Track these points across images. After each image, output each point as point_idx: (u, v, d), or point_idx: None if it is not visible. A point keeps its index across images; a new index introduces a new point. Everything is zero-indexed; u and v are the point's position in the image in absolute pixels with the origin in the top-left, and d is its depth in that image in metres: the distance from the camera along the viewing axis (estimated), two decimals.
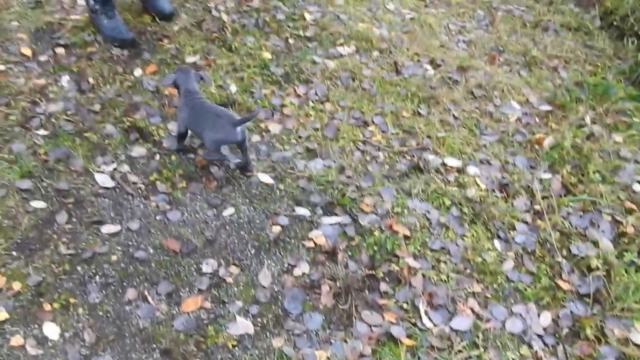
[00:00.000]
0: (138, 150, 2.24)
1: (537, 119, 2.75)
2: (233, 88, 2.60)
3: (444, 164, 2.43)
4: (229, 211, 2.09)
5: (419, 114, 2.67)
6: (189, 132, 2.23)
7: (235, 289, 1.86)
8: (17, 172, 2.04)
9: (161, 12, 2.90)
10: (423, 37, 3.15)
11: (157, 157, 2.23)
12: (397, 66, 2.92)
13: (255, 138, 2.40)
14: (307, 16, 3.15)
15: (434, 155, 2.46)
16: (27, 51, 2.56)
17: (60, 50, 2.60)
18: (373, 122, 2.59)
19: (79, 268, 1.82)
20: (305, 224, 2.10)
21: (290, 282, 1.90)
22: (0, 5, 2.77)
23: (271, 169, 2.29)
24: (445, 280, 1.98)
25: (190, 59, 2.72)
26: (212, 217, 2.06)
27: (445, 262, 2.04)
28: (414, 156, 2.45)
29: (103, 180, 2.09)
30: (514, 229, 2.20)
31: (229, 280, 1.88)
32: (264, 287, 1.88)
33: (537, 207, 2.29)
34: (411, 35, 3.16)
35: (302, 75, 2.76)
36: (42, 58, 2.56)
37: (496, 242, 2.15)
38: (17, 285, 1.73)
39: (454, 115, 2.69)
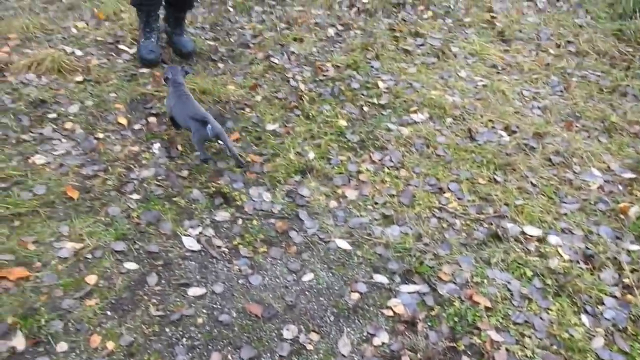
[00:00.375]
0: (222, 215, 2.34)
1: (620, 187, 2.67)
2: (311, 155, 2.69)
3: (523, 233, 2.38)
4: (308, 277, 2.13)
5: (496, 181, 2.65)
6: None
7: (316, 356, 1.87)
8: (113, 234, 2.18)
9: (182, 49, 3.27)
10: (496, 103, 3.17)
11: (240, 221, 2.32)
12: (471, 133, 2.94)
13: (333, 204, 2.46)
14: (381, 84, 3.25)
15: (512, 223, 2.42)
16: (123, 120, 2.78)
17: (152, 119, 2.81)
18: (449, 188, 2.59)
19: (167, 330, 1.89)
20: (384, 292, 2.10)
21: (370, 351, 1.89)
22: (101, 78, 3.03)
23: (348, 234, 2.32)
24: (530, 357, 1.90)
25: (270, 127, 2.85)
26: (292, 282, 2.10)
27: (529, 337, 1.97)
28: (491, 224, 2.42)
29: (190, 243, 2.19)
30: (602, 303, 2.11)
31: (309, 347, 1.89)
32: (343, 355, 1.87)
33: (626, 280, 2.19)
34: (484, 102, 3.18)
35: (377, 142, 2.83)
36: (136, 126, 2.76)
37: (583, 317, 2.06)
38: (110, 345, 1.81)
39: (531, 183, 2.65)
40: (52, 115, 2.74)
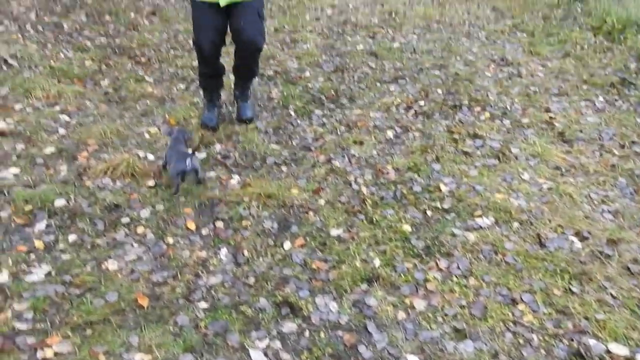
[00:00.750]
0: (289, 326, 2.30)
1: None
2: (376, 262, 2.66)
3: (608, 351, 2.22)
4: None
5: (572, 291, 2.53)
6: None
7: None
8: (181, 346, 2.16)
9: (242, 115, 3.87)
10: (564, 207, 3.09)
11: (307, 333, 2.27)
12: (540, 239, 2.85)
13: (401, 315, 2.39)
14: (443, 188, 3.24)
15: (595, 340, 2.27)
16: (191, 225, 2.85)
17: (219, 224, 2.87)
18: (522, 299, 2.48)
19: None
20: None
21: None
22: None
23: (420, 350, 2.23)
24: None
25: (334, 232, 2.86)
26: None
27: None
28: (572, 340, 2.28)
29: (257, 357, 2.14)
30: None
31: None
32: None
33: None
34: (551, 205, 3.11)
35: (442, 248, 2.78)
36: (204, 231, 2.82)
37: None
38: None
39: (611, 294, 2.51)
40: (125, 220, 2.84)
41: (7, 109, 3.78)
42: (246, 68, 3.70)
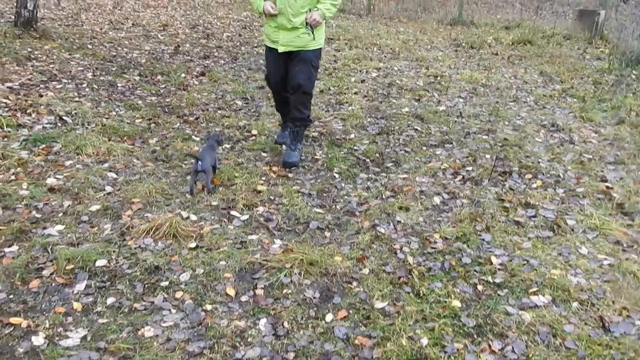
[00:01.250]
0: None
1: None
2: (424, 340, 2.48)
3: None
4: None
5: None
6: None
7: None
8: None
9: (285, 159, 4.19)
10: (629, 287, 2.86)
11: None
12: (603, 322, 2.63)
13: None
14: (494, 260, 3.07)
15: None
16: (231, 291, 2.76)
17: (259, 291, 2.77)
18: None
19: None
20: None
21: None
22: (213, 245, 3.11)
23: None
24: None
25: (378, 305, 2.71)
26: None
27: None
28: None
29: None
30: None
31: None
32: None
33: None
34: (614, 284, 2.89)
35: (495, 327, 2.59)
36: (244, 298, 2.73)
37: None
38: None
39: None
40: (165, 283, 2.78)
41: (58, 165, 3.86)
42: (294, 110, 4.17)
